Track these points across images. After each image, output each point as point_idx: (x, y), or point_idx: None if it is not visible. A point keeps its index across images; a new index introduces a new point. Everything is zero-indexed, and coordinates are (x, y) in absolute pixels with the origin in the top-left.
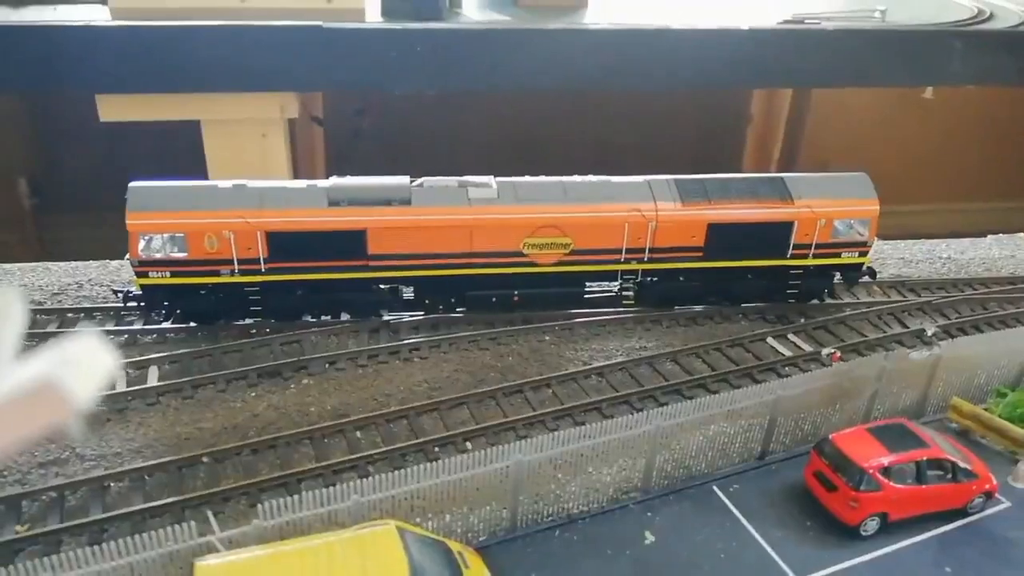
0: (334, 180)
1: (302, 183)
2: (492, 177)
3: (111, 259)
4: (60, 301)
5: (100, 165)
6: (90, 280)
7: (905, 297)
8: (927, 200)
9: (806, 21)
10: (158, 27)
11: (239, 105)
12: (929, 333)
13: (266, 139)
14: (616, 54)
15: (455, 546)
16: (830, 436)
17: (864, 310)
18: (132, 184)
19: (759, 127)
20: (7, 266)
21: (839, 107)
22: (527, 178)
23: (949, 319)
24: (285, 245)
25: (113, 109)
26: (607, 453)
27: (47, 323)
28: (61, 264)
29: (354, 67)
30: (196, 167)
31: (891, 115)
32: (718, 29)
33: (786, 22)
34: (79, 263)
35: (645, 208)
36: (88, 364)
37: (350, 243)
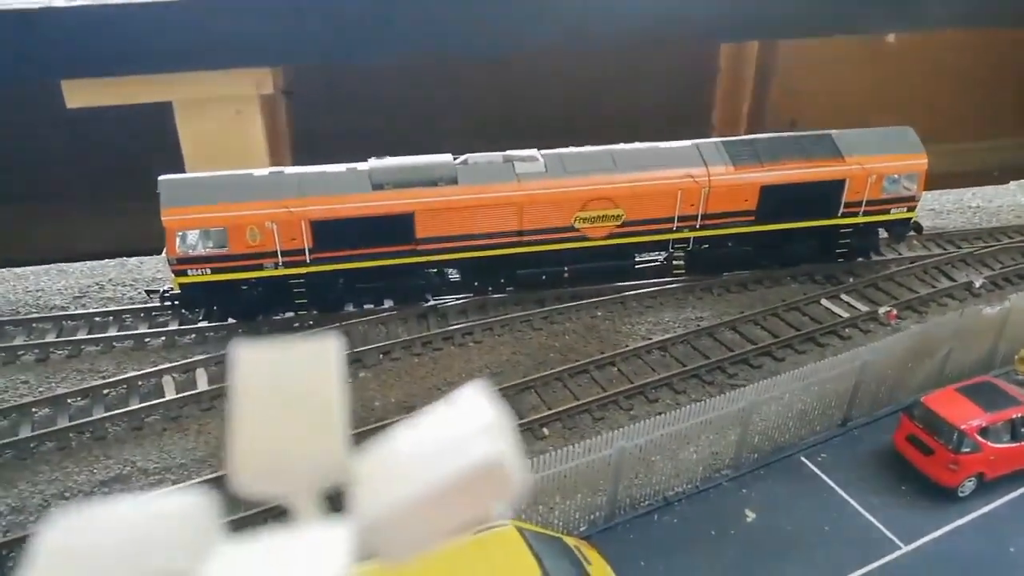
0: (373, 162)
1: (341, 167)
2: (536, 150)
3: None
4: (84, 305)
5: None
6: (110, 280)
7: (945, 249)
8: None
9: None
10: (122, 5)
11: (212, 83)
12: (977, 285)
13: (241, 116)
14: (593, 9)
15: (571, 541)
16: (920, 399)
17: (909, 265)
18: (162, 177)
19: (727, 81)
20: (18, 270)
21: (805, 55)
22: (573, 149)
23: (993, 269)
24: (331, 233)
25: (80, 95)
26: (701, 432)
27: (75, 329)
28: (76, 265)
29: (331, 37)
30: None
31: (855, 62)
32: None
33: None
34: (95, 263)
35: (697, 174)
36: (498, 428)
37: (398, 227)
